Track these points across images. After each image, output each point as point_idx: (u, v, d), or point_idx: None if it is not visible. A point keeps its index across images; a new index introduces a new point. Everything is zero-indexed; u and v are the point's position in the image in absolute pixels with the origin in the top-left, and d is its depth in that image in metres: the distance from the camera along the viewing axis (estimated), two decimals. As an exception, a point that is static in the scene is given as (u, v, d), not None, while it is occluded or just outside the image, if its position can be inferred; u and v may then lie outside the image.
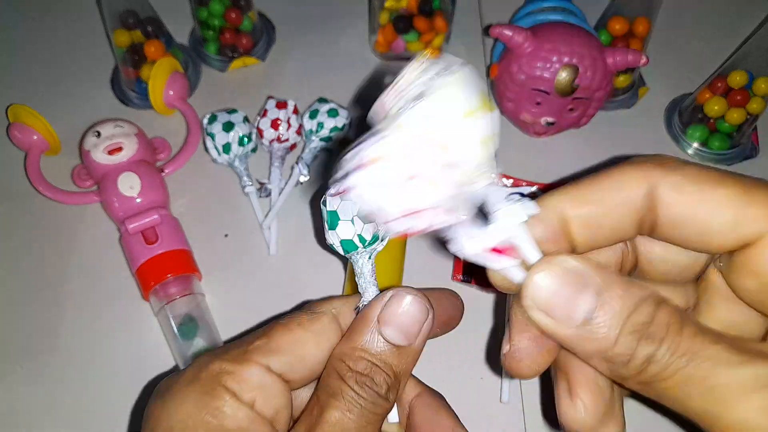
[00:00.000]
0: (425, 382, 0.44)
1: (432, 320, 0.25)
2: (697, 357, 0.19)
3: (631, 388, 0.21)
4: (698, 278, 0.25)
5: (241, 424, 0.22)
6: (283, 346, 0.24)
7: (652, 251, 0.25)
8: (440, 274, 0.47)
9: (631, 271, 0.26)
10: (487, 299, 0.46)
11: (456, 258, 0.47)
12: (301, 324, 0.25)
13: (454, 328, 0.28)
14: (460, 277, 0.46)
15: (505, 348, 0.23)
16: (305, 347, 0.24)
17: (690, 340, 0.20)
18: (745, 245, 0.21)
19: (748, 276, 0.21)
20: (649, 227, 0.23)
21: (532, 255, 0.22)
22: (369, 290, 0.26)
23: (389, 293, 0.25)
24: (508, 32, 0.47)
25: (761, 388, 0.18)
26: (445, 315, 0.27)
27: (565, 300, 0.21)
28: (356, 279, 0.26)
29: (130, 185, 0.45)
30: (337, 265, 0.47)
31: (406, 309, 0.24)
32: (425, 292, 0.25)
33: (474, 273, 0.46)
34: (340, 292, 0.45)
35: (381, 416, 0.24)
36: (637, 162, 0.23)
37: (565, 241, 0.23)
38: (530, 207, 0.22)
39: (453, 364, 0.43)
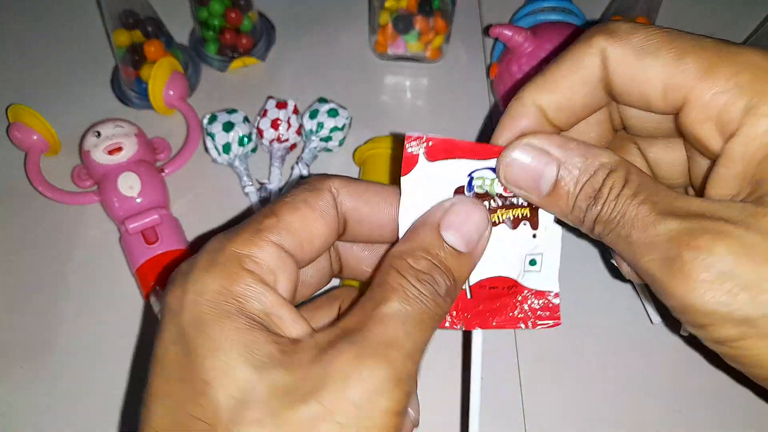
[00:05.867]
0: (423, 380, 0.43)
1: (490, 231, 0.25)
2: (623, 218, 0.23)
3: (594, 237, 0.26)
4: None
5: (266, 308, 0.22)
6: (293, 225, 0.24)
7: (628, 110, 0.27)
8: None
9: (619, 129, 0.28)
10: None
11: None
12: (306, 201, 0.24)
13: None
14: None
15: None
16: (313, 225, 0.24)
17: (621, 203, 0.24)
18: (679, 108, 0.24)
19: (686, 135, 0.24)
20: (612, 93, 0.25)
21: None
22: None
23: (450, 200, 0.25)
24: (508, 32, 0.47)
25: (661, 243, 0.22)
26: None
27: (530, 174, 0.25)
28: None
29: (130, 185, 0.45)
30: (337, 265, 0.47)
31: (468, 216, 0.24)
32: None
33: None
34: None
35: (437, 319, 0.23)
36: (588, 35, 0.25)
37: (548, 126, 0.26)
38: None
39: (453, 364, 0.43)
